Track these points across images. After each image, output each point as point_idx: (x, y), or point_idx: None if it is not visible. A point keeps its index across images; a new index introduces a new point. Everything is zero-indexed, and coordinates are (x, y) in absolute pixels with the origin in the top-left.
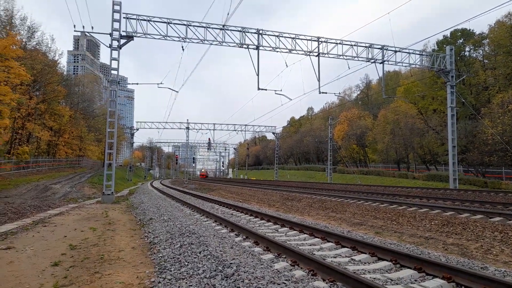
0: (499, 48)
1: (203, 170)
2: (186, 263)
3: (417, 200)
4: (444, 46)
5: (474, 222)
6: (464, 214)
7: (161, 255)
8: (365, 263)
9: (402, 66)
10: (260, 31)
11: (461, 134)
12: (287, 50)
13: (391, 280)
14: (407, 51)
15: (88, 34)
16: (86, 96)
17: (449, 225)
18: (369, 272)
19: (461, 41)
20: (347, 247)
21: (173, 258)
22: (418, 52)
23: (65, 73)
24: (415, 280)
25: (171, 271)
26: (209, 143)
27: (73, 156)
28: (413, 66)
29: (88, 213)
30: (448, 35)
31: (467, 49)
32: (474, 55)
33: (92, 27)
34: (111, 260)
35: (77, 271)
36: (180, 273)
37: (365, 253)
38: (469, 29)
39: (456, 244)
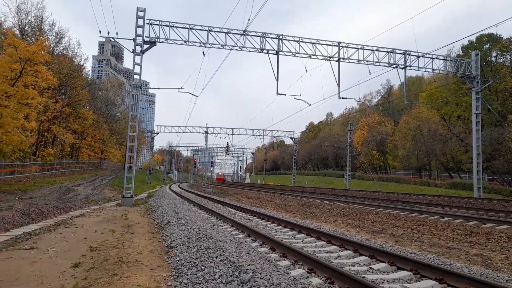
0: None
1: (220, 173)
2: (202, 268)
3: (439, 209)
4: (470, 51)
5: (499, 233)
6: (488, 224)
7: (178, 259)
8: (383, 272)
9: (425, 71)
10: (280, 36)
11: (486, 141)
12: (307, 55)
13: None
14: (430, 56)
15: (113, 40)
16: (109, 100)
17: (473, 235)
18: (387, 281)
19: (487, 46)
20: (366, 256)
21: (190, 262)
22: (442, 57)
23: (89, 77)
24: None
25: (187, 275)
26: (227, 148)
27: (95, 159)
28: (437, 71)
29: (108, 215)
30: (474, 40)
31: (493, 54)
32: (501, 61)
33: (117, 33)
34: (129, 263)
35: (96, 273)
36: (196, 278)
37: (384, 262)
38: (497, 34)
39: (480, 255)
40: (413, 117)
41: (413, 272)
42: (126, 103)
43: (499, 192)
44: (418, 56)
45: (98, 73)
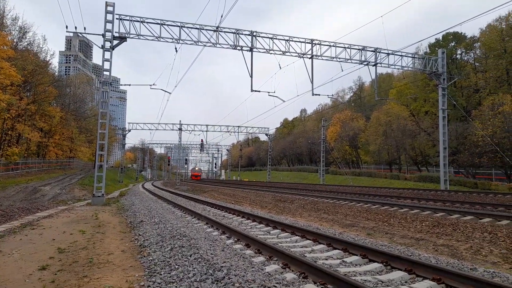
0: (490, 51)
1: (196, 168)
2: (176, 266)
3: (408, 201)
4: (436, 49)
5: (464, 223)
6: (454, 215)
7: (151, 258)
8: (356, 265)
9: (395, 68)
10: (254, 33)
11: (452, 136)
12: (281, 52)
13: (382, 282)
14: (399, 53)
15: (81, 35)
16: (78, 97)
17: (440, 226)
18: (360, 274)
19: (452, 44)
20: (339, 249)
21: (163, 261)
22: (410, 55)
23: (56, 73)
24: (406, 282)
25: (161, 274)
26: (201, 144)
27: (64, 158)
28: (406, 68)
29: (77, 215)
30: (440, 38)
31: (458, 52)
32: (465, 58)
33: (85, 28)
34: (100, 264)
35: (65, 275)
36: (170, 277)
37: (357, 255)
38: (461, 33)
39: (447, 245)
40: (384, 113)
41: (384, 264)
42: (95, 100)
43: (464, 184)
44: (388, 54)
45: (66, 69)
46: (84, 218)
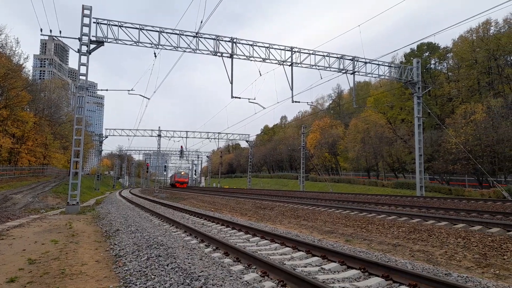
0: (462, 62)
1: (182, 173)
2: (152, 277)
3: (385, 208)
4: (411, 58)
5: (439, 229)
6: (429, 221)
7: (126, 268)
8: (334, 272)
9: (372, 77)
10: (234, 40)
11: (427, 143)
12: (261, 59)
13: None
14: (376, 62)
15: (56, 38)
16: (53, 102)
17: (416, 232)
18: (338, 281)
19: (427, 54)
20: (318, 256)
21: (139, 271)
22: (387, 64)
23: (30, 78)
24: None
25: (136, 285)
26: (181, 151)
27: (37, 165)
28: (383, 77)
29: (50, 224)
30: (415, 48)
31: (432, 62)
32: (439, 68)
33: (60, 31)
34: (72, 275)
35: (35, 287)
36: (146, 287)
37: (335, 262)
38: (435, 43)
39: (422, 250)
40: (362, 121)
41: (362, 270)
42: (71, 105)
43: (439, 191)
44: (366, 62)
45: (41, 73)
46: (57, 228)
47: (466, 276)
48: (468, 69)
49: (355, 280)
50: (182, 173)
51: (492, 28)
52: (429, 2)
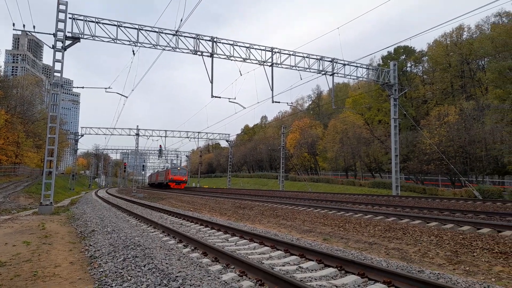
0: (436, 65)
1: (179, 168)
2: (129, 278)
3: (362, 207)
4: (389, 61)
5: (413, 227)
6: (404, 219)
7: (102, 269)
8: (312, 270)
9: (351, 78)
10: (215, 39)
11: (403, 144)
12: (242, 59)
13: (336, 286)
14: (355, 64)
15: (29, 34)
16: (25, 99)
17: (391, 231)
18: (315, 279)
19: (403, 57)
20: (296, 255)
21: (115, 272)
22: (365, 66)
23: (1, 73)
24: (358, 286)
25: (112, 286)
26: (160, 150)
27: (8, 164)
28: (361, 79)
29: (22, 225)
30: (392, 51)
31: (408, 65)
32: (415, 71)
33: (34, 26)
34: (45, 277)
35: None
36: None
37: (313, 261)
38: (411, 47)
39: (397, 248)
40: (340, 121)
41: (339, 268)
42: (45, 102)
43: (413, 190)
44: (344, 64)
45: (13, 69)
46: (30, 228)
47: (438, 273)
48: (442, 73)
49: (332, 278)
50: (179, 168)
51: (465, 33)
52: (406, 7)
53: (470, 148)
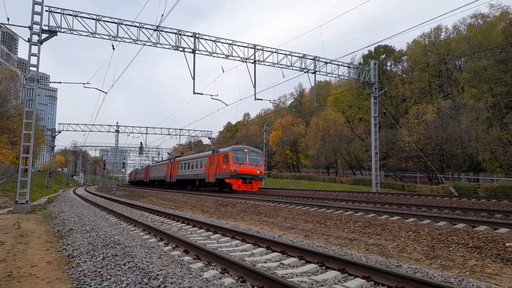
0: (415, 65)
1: (246, 150)
2: (108, 277)
3: (343, 204)
4: (369, 60)
5: (392, 223)
6: (383, 216)
7: (80, 269)
8: (293, 266)
9: (332, 77)
10: (197, 35)
11: (383, 141)
12: (224, 56)
13: (317, 282)
14: (336, 63)
15: (3, 26)
16: (0, 94)
17: (371, 227)
18: (296, 275)
19: (383, 56)
20: (278, 252)
21: (94, 272)
22: (346, 65)
23: None
24: (339, 281)
25: (91, 286)
26: (141, 148)
27: None
28: (342, 77)
29: None
30: (373, 50)
31: (388, 64)
32: (394, 70)
33: (8, 19)
34: (21, 277)
35: None
36: None
37: (294, 257)
38: (391, 46)
39: (376, 244)
40: (322, 119)
41: (320, 264)
42: (20, 97)
43: (393, 187)
44: (326, 63)
45: None
46: (4, 228)
47: (416, 267)
48: (420, 72)
49: (313, 274)
50: (246, 150)
51: (442, 33)
52: (387, 6)
53: (447, 146)
